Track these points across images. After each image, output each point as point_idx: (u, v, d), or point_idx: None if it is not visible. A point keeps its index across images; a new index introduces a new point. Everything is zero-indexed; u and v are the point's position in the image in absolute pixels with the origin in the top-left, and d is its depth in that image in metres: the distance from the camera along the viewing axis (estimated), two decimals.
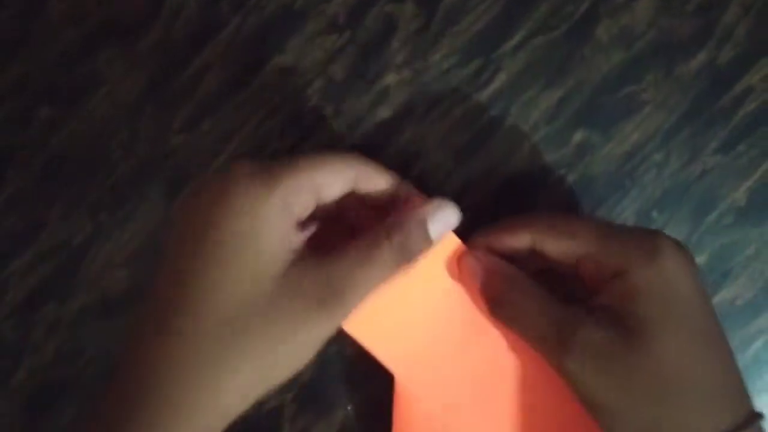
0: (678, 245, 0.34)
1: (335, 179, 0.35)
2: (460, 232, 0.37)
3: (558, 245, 0.36)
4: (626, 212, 0.43)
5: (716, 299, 0.43)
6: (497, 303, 0.37)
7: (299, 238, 0.34)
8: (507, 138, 0.42)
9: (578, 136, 0.42)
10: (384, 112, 0.43)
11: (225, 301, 0.32)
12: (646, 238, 0.34)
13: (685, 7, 0.42)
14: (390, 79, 0.42)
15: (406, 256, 0.34)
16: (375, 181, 0.36)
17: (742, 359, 0.43)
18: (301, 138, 0.43)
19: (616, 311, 0.34)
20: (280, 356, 0.33)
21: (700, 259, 0.43)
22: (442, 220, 0.36)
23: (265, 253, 0.32)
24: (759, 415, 0.34)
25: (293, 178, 0.33)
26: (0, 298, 0.43)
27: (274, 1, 0.42)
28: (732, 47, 0.42)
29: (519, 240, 0.37)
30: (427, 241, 0.35)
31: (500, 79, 0.42)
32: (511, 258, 0.37)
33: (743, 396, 0.35)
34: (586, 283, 0.36)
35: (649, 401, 0.33)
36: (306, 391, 0.43)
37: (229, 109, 0.43)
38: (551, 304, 0.35)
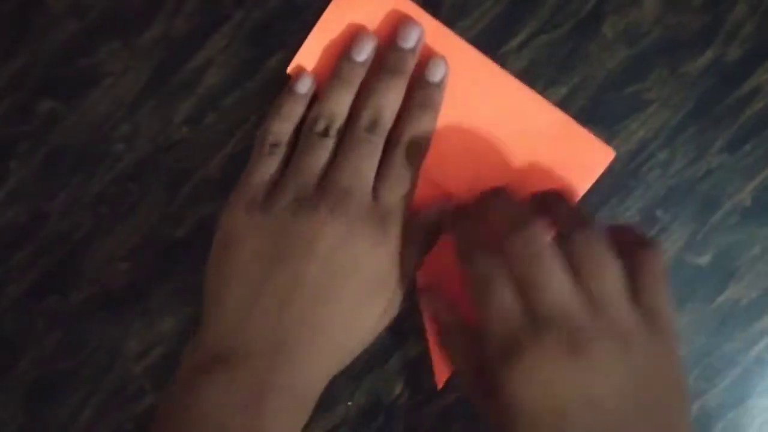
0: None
1: None
2: None
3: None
4: (630, 211, 0.42)
5: (720, 299, 0.43)
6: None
7: None
8: None
9: None
10: None
11: None
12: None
13: (692, 4, 0.41)
14: None
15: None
16: None
17: (745, 360, 0.43)
18: None
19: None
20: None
21: (705, 259, 0.43)
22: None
23: None
24: None
25: None
26: (1, 290, 0.43)
27: None
28: (739, 45, 0.42)
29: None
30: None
31: None
32: None
33: None
34: None
35: None
36: None
37: (231, 103, 0.42)
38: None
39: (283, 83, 0.42)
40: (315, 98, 0.41)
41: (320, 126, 0.39)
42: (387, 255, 0.38)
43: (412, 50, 0.40)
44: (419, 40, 0.40)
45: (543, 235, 0.35)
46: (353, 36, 0.40)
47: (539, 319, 0.34)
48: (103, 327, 0.44)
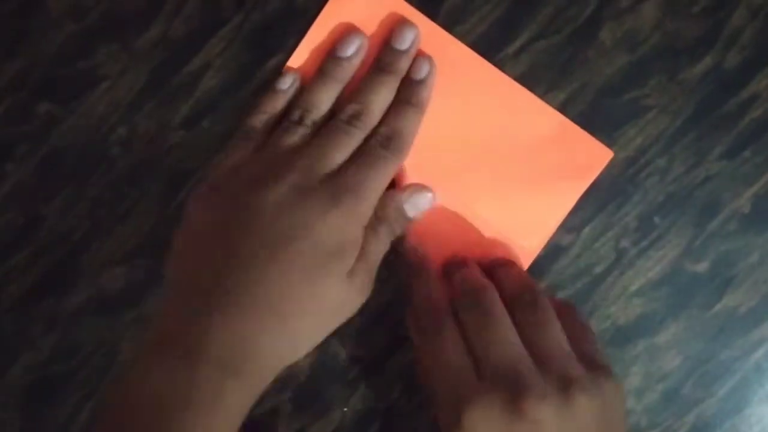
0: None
1: None
2: None
3: None
4: (628, 217, 0.42)
5: (718, 306, 0.43)
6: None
7: None
8: None
9: None
10: None
11: None
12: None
13: (692, 10, 0.41)
14: None
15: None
16: None
17: (744, 368, 0.43)
18: None
19: None
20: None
21: (703, 266, 0.42)
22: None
23: None
24: None
25: None
26: None
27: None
28: (738, 51, 0.41)
29: None
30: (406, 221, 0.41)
31: None
32: None
33: None
34: None
35: None
36: (303, 391, 0.43)
37: (229, 106, 0.42)
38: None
39: None
40: None
41: (295, 115, 0.40)
42: (341, 223, 0.37)
43: (406, 52, 0.40)
44: (414, 41, 0.40)
45: (492, 296, 0.38)
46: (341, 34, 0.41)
47: (485, 375, 0.35)
48: (100, 330, 0.43)
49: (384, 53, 0.41)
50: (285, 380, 0.43)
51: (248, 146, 0.40)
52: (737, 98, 0.42)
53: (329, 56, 0.41)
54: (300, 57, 0.42)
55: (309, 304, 0.36)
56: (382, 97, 0.40)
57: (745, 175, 0.42)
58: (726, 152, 0.42)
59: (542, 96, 0.41)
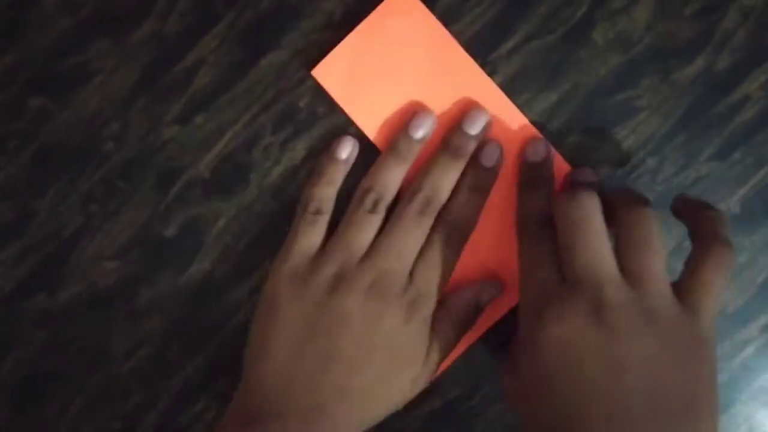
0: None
1: None
2: None
3: None
4: None
5: None
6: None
7: None
8: None
9: (572, 140, 0.42)
10: None
11: None
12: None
13: (684, 12, 0.41)
14: None
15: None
16: None
17: (731, 367, 0.43)
18: (295, 133, 0.42)
19: None
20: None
21: None
22: None
23: None
24: None
25: None
26: None
27: None
28: (730, 53, 0.42)
29: None
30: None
31: (495, 82, 0.41)
32: None
33: None
34: None
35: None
36: None
37: (222, 103, 0.42)
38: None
39: (274, 85, 0.42)
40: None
41: (369, 201, 0.41)
42: (416, 333, 0.40)
43: (476, 137, 0.41)
44: (485, 127, 0.41)
45: (591, 202, 0.37)
46: (413, 110, 0.41)
47: (570, 279, 0.36)
48: (91, 326, 0.43)
49: (454, 136, 0.41)
50: None
51: (319, 226, 0.41)
52: (728, 100, 0.42)
53: (401, 135, 0.41)
54: (332, 64, 0.41)
55: (387, 404, 0.40)
56: (449, 183, 0.41)
57: (735, 176, 0.42)
58: (716, 153, 0.42)
59: (535, 96, 0.42)
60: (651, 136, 0.42)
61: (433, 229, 0.41)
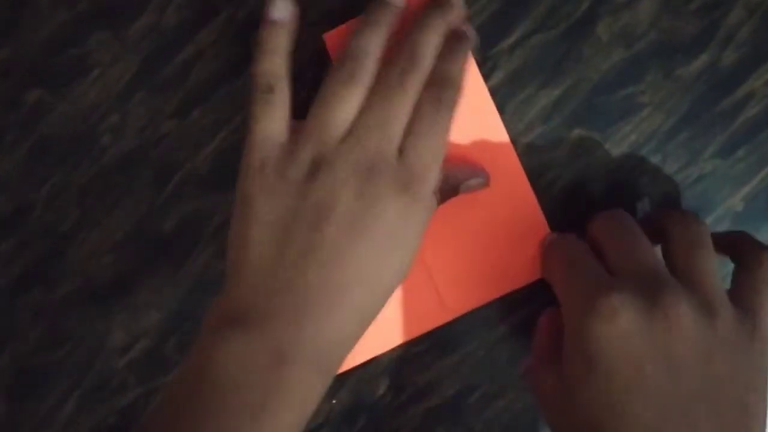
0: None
1: None
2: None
3: None
4: None
5: None
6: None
7: None
8: None
9: (574, 136, 0.42)
10: None
11: None
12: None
13: (688, 8, 0.41)
14: None
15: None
16: None
17: None
18: None
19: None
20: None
21: None
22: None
23: None
24: None
25: None
26: None
27: None
28: (735, 50, 0.41)
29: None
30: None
31: (497, 77, 0.41)
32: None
33: None
34: None
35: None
36: None
37: (220, 97, 0.42)
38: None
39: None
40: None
41: (345, 70, 0.36)
42: (407, 215, 0.36)
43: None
44: None
45: (630, 218, 0.38)
46: None
47: (623, 273, 0.35)
48: (88, 320, 0.43)
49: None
50: None
51: (277, 106, 0.37)
52: (732, 97, 0.41)
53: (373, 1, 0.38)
54: (342, 39, 0.40)
55: (381, 293, 0.37)
56: (435, 39, 0.37)
57: (738, 174, 0.42)
58: (719, 151, 0.42)
59: (536, 92, 0.41)
60: (653, 133, 0.42)
61: (420, 99, 0.37)
